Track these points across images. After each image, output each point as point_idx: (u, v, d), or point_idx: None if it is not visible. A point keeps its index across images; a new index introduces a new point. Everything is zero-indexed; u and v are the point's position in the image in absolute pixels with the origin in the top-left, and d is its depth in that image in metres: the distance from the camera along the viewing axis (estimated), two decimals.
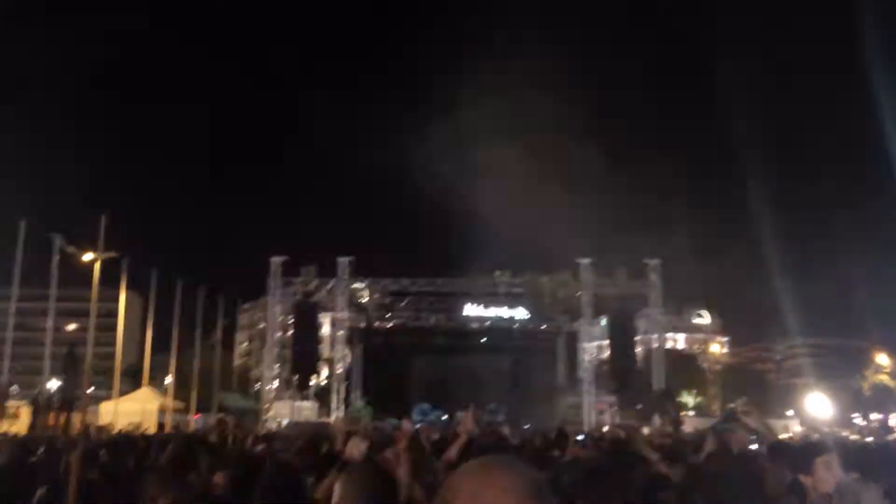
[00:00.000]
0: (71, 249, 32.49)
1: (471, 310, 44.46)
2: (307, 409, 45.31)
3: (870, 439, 43.32)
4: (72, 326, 54.39)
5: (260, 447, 9.53)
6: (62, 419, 29.31)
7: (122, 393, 40.91)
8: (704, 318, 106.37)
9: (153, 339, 41.70)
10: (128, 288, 38.46)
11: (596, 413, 42.58)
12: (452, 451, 6.88)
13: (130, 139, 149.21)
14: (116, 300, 39.09)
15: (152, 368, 44.03)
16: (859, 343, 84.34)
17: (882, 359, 75.21)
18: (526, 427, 26.65)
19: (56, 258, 32.00)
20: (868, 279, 71.73)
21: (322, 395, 50.65)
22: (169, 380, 45.46)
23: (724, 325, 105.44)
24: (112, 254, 33.44)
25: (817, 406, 59.08)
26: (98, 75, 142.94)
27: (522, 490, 1.59)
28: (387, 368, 47.20)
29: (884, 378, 72.94)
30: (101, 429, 27.90)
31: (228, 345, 63.09)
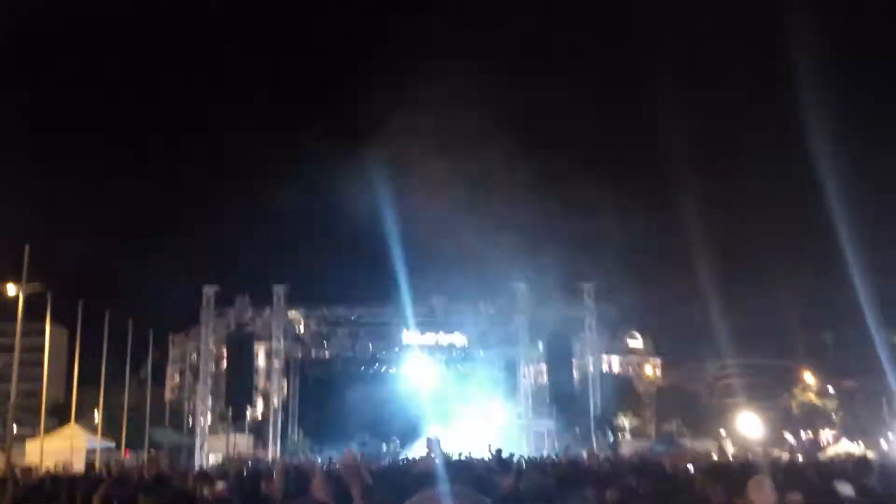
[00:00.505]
0: None
1: (408, 337, 44.27)
2: (243, 443, 44.34)
3: (799, 457, 44.36)
4: None
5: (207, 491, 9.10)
6: None
7: (49, 430, 39.44)
8: (638, 341, 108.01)
9: (81, 373, 40.35)
10: (53, 321, 37.18)
11: (535, 437, 42.61)
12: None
13: (53, 168, 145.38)
14: (41, 334, 37.76)
15: (80, 404, 42.55)
16: (787, 363, 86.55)
17: (809, 378, 77.23)
18: (467, 455, 26.44)
19: None
20: (795, 300, 73.79)
21: (258, 428, 49.66)
22: (98, 416, 44.04)
23: (657, 346, 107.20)
24: (36, 286, 32.34)
25: (749, 425, 60.32)
26: (19, 103, 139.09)
27: None
28: (324, 399, 46.54)
29: (811, 396, 74.81)
30: (26, 470, 26.82)
31: (160, 378, 61.54)
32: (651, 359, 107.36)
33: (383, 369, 47.71)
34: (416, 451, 32.97)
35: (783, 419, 72.25)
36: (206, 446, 39.57)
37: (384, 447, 41.96)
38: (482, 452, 24.99)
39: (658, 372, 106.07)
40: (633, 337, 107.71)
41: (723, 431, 65.81)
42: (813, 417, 72.15)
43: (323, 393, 46.69)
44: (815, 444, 64.09)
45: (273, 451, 39.55)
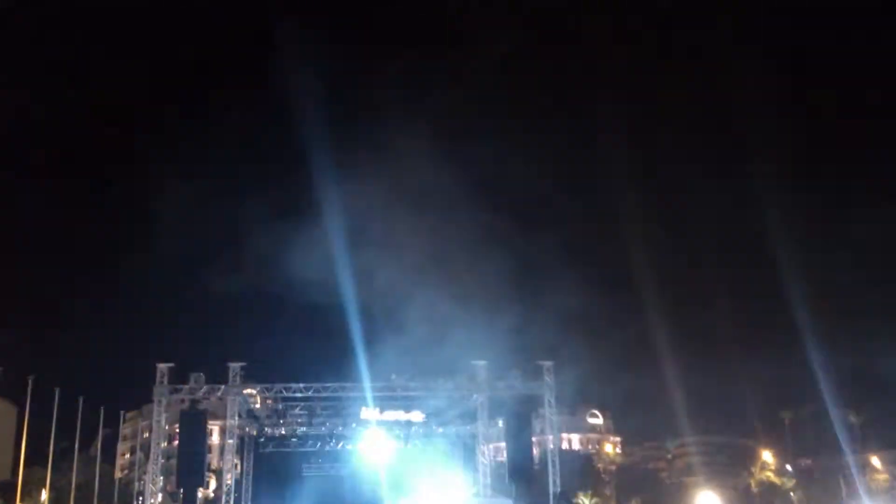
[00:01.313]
0: None
1: (366, 414, 43.80)
2: None
3: None
4: None
5: None
6: None
7: None
8: (598, 418, 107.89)
9: (28, 452, 39.26)
10: (1, 397, 36.35)
11: None
12: None
13: (3, 244, 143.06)
14: None
15: (26, 484, 41.29)
16: (746, 441, 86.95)
17: (767, 456, 77.58)
18: None
19: None
20: (753, 379, 74.55)
21: None
22: (45, 495, 42.74)
23: (617, 424, 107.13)
24: None
25: None
26: None
27: None
28: (279, 477, 45.60)
29: (769, 475, 75.03)
30: None
31: (110, 457, 59.93)
32: (611, 437, 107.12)
33: (340, 446, 47.04)
34: None
35: (742, 498, 72.22)
36: None
37: None
38: None
39: (618, 449, 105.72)
40: (593, 415, 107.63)
41: None
42: (771, 496, 72.27)
43: (278, 471, 45.78)
44: None
45: None
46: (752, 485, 74.31)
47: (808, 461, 76.63)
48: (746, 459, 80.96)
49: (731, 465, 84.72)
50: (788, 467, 76.35)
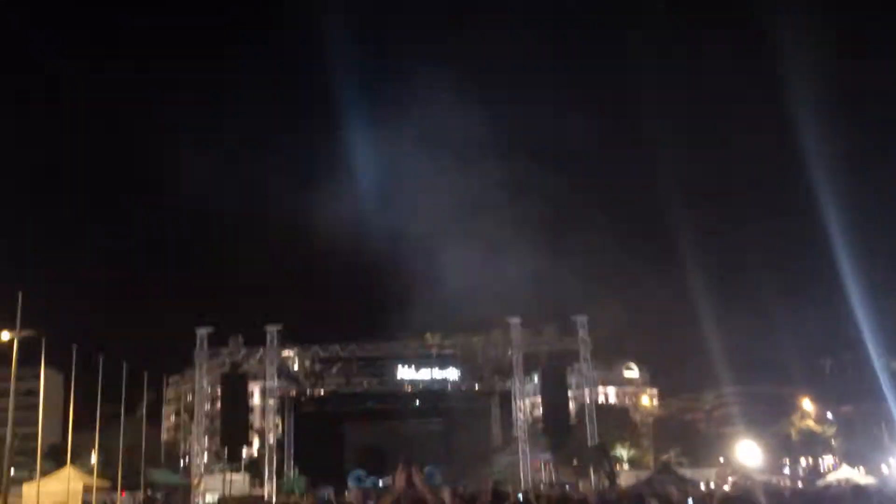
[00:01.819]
0: None
1: (403, 373, 44.27)
2: (239, 482, 44.20)
3: (800, 484, 44.33)
4: None
5: None
6: None
7: (45, 473, 39.39)
8: (633, 371, 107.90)
9: (76, 416, 40.36)
10: (48, 366, 37.30)
11: (532, 471, 42.54)
12: None
13: (44, 214, 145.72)
14: (35, 378, 37.89)
15: (76, 447, 42.51)
16: (785, 389, 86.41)
17: (807, 405, 77.11)
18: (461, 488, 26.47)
19: None
20: (792, 327, 73.86)
21: (254, 466, 49.51)
22: (94, 458, 43.98)
23: (653, 377, 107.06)
24: (30, 332, 32.58)
25: (748, 454, 60.15)
26: (8, 152, 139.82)
27: None
28: (320, 436, 46.48)
29: (810, 423, 74.65)
30: None
31: (155, 420, 61.41)
32: (648, 389, 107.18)
33: (378, 406, 47.69)
34: None
35: (782, 446, 72.07)
36: (202, 486, 39.48)
37: (380, 484, 41.87)
38: (479, 486, 25.03)
39: (655, 402, 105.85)
40: (629, 368, 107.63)
41: (721, 460, 65.64)
42: (812, 444, 72.00)
43: (318, 430, 46.63)
44: (815, 471, 63.97)
45: (269, 490, 39.44)
46: (792, 433, 74.05)
47: (849, 409, 75.95)
48: (786, 408, 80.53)
49: (770, 415, 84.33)
50: (829, 415, 75.88)
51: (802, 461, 72.50)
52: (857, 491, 10.44)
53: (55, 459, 47.03)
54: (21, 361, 33.29)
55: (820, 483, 39.53)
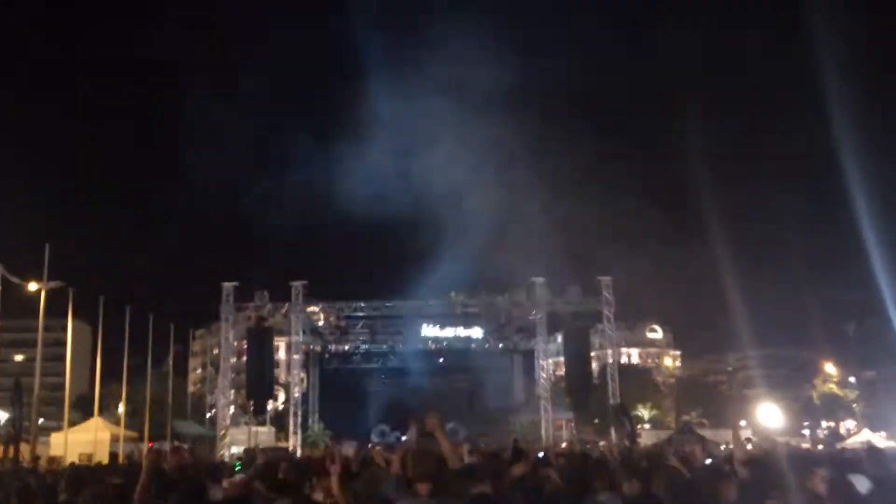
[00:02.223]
0: (15, 280, 31.85)
1: (427, 331, 44.44)
2: (264, 435, 44.78)
3: (820, 447, 44.27)
4: (19, 357, 53.18)
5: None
6: (10, 451, 28.58)
7: (73, 424, 40.09)
8: (657, 333, 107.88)
9: (104, 368, 40.96)
10: (75, 317, 37.77)
11: (554, 429, 42.79)
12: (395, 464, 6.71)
13: (74, 167, 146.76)
14: (64, 329, 38.40)
15: (103, 398, 43.20)
16: (808, 353, 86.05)
17: (830, 368, 76.85)
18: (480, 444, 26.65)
19: (0, 288, 31.32)
20: (816, 291, 73.27)
21: (279, 419, 50.15)
22: (121, 409, 44.70)
23: (677, 338, 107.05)
24: (58, 283, 32.93)
25: (769, 416, 60.09)
26: (37, 103, 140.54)
27: None
28: (344, 392, 46.97)
29: (832, 387, 74.46)
30: (51, 460, 27.36)
31: (182, 372, 62.23)
32: (670, 351, 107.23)
33: (401, 363, 48.02)
34: None
35: (804, 410, 72.03)
36: (227, 438, 40.05)
37: (403, 439, 42.27)
38: (500, 443, 25.21)
39: (678, 363, 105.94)
40: (652, 330, 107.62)
41: (743, 422, 65.71)
42: (834, 408, 71.90)
43: (342, 385, 47.11)
44: (836, 435, 63.91)
45: (294, 442, 39.97)
46: (814, 397, 73.96)
47: (872, 373, 75.66)
48: (808, 372, 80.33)
49: (792, 378, 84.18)
50: (852, 379, 75.63)
51: (823, 425, 72.48)
52: (874, 452, 10.30)
53: (83, 410, 47.91)
54: (49, 313, 33.76)
55: (840, 446, 39.45)
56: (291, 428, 41.28)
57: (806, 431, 68.33)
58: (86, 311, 40.88)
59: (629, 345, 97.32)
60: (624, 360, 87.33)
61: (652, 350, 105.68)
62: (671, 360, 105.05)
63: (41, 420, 40.22)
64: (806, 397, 75.16)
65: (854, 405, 71.36)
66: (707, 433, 46.61)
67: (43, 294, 32.32)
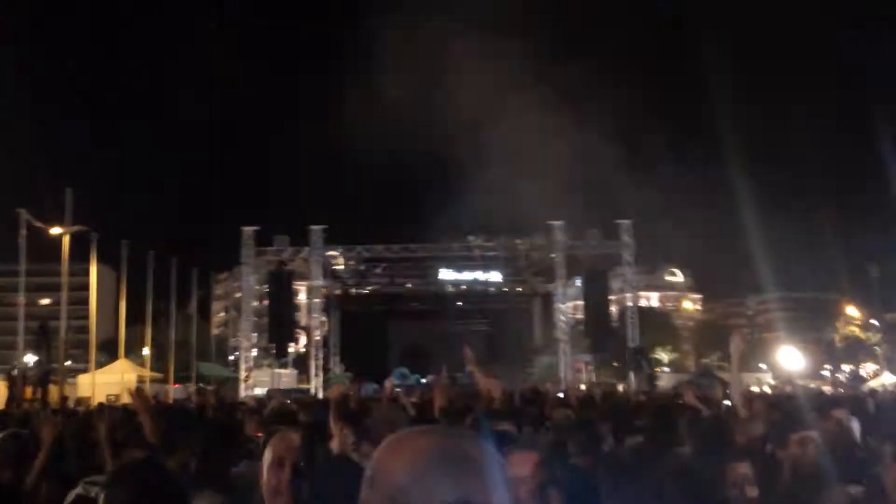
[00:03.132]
0: (38, 224, 32.19)
1: (446, 274, 44.54)
2: (286, 377, 45.42)
3: (841, 391, 44.26)
4: (45, 301, 53.99)
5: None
6: (39, 392, 29.23)
7: (99, 365, 40.83)
8: (677, 276, 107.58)
9: (128, 311, 41.52)
10: (98, 261, 38.19)
11: (573, 372, 43.04)
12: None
13: (93, 111, 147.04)
14: (88, 274, 38.86)
15: (128, 341, 43.89)
16: (830, 296, 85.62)
17: (852, 311, 76.43)
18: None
19: (24, 233, 31.68)
20: (837, 232, 72.63)
21: (300, 362, 50.78)
22: (146, 351, 45.42)
23: (697, 282, 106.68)
24: (80, 228, 33.25)
25: (789, 359, 60.09)
26: (60, 48, 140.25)
27: (429, 457, 1.47)
28: (364, 335, 47.38)
29: (854, 330, 74.16)
30: (79, 401, 27.91)
31: (205, 315, 62.99)
32: (690, 294, 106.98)
33: (421, 306, 48.29)
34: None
35: (825, 353, 71.88)
36: (251, 380, 40.66)
37: (423, 381, 42.74)
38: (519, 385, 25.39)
39: (698, 306, 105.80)
40: (672, 273, 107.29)
41: (763, 365, 65.75)
42: (855, 351, 71.66)
43: (362, 329, 47.50)
44: (857, 377, 63.84)
45: (315, 385, 40.52)
46: (836, 339, 73.75)
47: (895, 315, 75.20)
48: (830, 315, 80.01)
49: (814, 321, 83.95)
50: (874, 321, 75.23)
51: (845, 367, 72.37)
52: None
53: (109, 352, 48.69)
54: (73, 257, 34.18)
55: (863, 388, 39.41)
56: (313, 371, 41.81)
57: (826, 374, 68.31)
58: (109, 255, 41.40)
59: (649, 288, 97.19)
60: (643, 303, 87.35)
61: (672, 294, 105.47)
62: (691, 304, 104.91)
63: (68, 362, 40.92)
64: (828, 340, 74.96)
65: (876, 348, 71.10)
66: (727, 376, 46.68)
67: (66, 238, 32.67)
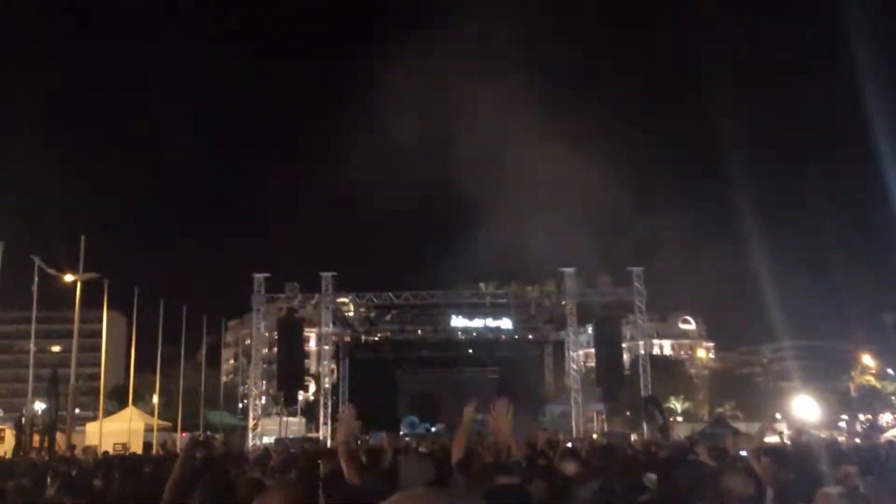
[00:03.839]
0: (51, 271, 32.35)
1: (456, 321, 44.38)
2: (295, 425, 45.08)
3: (857, 441, 43.52)
4: (56, 348, 54.09)
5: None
6: (46, 441, 29.09)
7: (108, 413, 40.70)
8: (690, 324, 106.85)
9: (137, 358, 41.50)
10: (110, 309, 38.28)
11: (584, 421, 42.54)
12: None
13: (107, 159, 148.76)
14: (99, 321, 38.94)
15: (138, 388, 43.79)
16: (845, 345, 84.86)
17: (867, 360, 75.67)
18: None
19: (37, 280, 31.82)
20: (852, 282, 72.20)
21: (309, 410, 50.44)
22: (155, 399, 45.27)
23: (710, 330, 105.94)
24: (93, 275, 33.39)
25: (805, 409, 59.32)
26: (76, 95, 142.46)
27: None
28: (374, 382, 47.04)
29: (870, 379, 73.36)
30: (86, 449, 27.72)
31: (215, 363, 62.91)
32: (704, 342, 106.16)
33: (431, 354, 48.01)
34: None
35: (841, 402, 71.01)
36: (259, 428, 40.37)
37: (432, 430, 42.36)
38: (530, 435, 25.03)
39: (711, 355, 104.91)
40: (685, 321, 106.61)
41: (778, 415, 64.92)
42: (871, 400, 70.78)
43: (372, 376, 47.19)
44: (876, 427, 62.92)
45: (324, 433, 40.18)
46: (852, 388, 72.91)
47: None
48: (846, 364, 79.21)
49: (829, 370, 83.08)
50: (890, 371, 74.39)
51: (861, 417, 71.40)
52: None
53: (117, 400, 48.62)
54: (84, 304, 34.26)
55: (880, 439, 38.77)
56: (322, 419, 41.49)
57: (843, 424, 67.38)
58: (120, 302, 41.51)
59: (661, 336, 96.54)
60: (656, 351, 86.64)
61: (685, 342, 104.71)
62: (704, 352, 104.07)
63: (77, 410, 40.82)
64: (843, 389, 74.10)
65: (893, 397, 70.18)
66: (741, 426, 46.04)
67: (79, 285, 32.80)
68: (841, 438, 39.73)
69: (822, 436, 35.77)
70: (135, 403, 41.61)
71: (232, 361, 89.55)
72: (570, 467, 7.57)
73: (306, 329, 42.88)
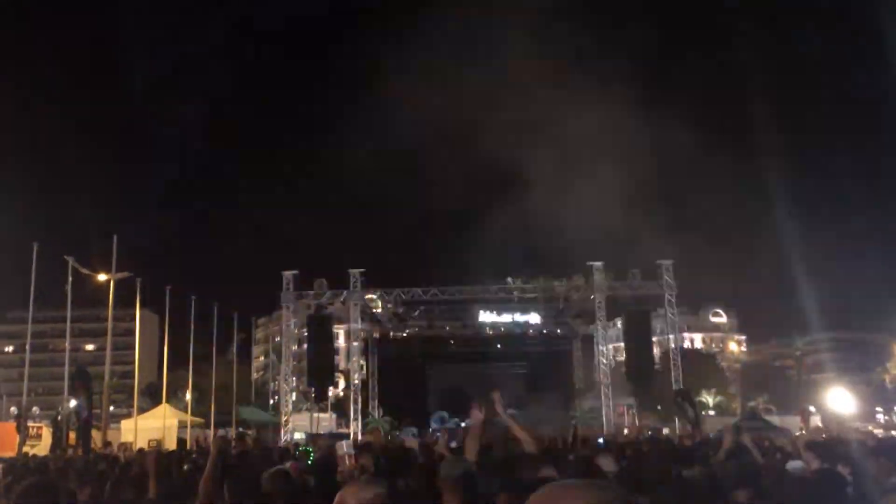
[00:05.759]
0: (85, 271, 32.80)
1: (485, 317, 44.38)
2: (325, 421, 45.35)
3: (893, 433, 42.96)
4: (90, 347, 54.83)
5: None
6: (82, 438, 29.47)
7: (142, 410, 41.20)
8: (721, 317, 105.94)
9: (170, 356, 41.95)
10: (143, 307, 38.73)
11: (615, 416, 42.35)
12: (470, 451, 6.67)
13: (139, 158, 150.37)
14: (132, 320, 39.42)
15: (171, 385, 44.28)
16: (879, 336, 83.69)
17: None
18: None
19: (70, 280, 32.26)
20: (887, 272, 71.22)
21: (339, 406, 50.72)
22: (188, 396, 45.76)
23: (741, 323, 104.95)
24: (125, 274, 33.81)
25: (839, 401, 58.65)
26: (109, 94, 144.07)
27: None
28: (403, 378, 47.17)
29: None
30: (121, 446, 28.10)
31: (246, 359, 63.38)
32: (735, 335, 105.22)
33: (459, 349, 48.05)
34: None
35: (876, 394, 70.14)
36: (290, 424, 40.67)
37: (462, 425, 42.33)
38: (561, 430, 25.07)
39: (743, 348, 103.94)
40: (716, 314, 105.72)
41: (812, 408, 64.23)
42: None
43: (401, 372, 47.32)
44: None
45: (354, 428, 40.39)
46: (887, 380, 71.96)
47: None
48: (881, 356, 78.18)
49: (863, 362, 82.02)
50: None
51: None
52: None
53: (151, 397, 49.19)
54: (118, 303, 34.73)
55: None
56: (352, 414, 41.71)
57: (880, 416, 66.53)
58: (153, 301, 41.98)
59: (692, 330, 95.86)
60: (687, 345, 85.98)
61: (716, 335, 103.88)
62: (736, 345, 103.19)
63: (111, 407, 41.38)
64: (878, 381, 73.16)
65: None
66: (774, 419, 45.62)
67: (112, 285, 33.25)
68: (878, 431, 39.25)
69: (857, 428, 35.36)
70: (168, 400, 42.11)
71: (262, 358, 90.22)
72: (605, 463, 7.56)
73: (335, 325, 43.10)
